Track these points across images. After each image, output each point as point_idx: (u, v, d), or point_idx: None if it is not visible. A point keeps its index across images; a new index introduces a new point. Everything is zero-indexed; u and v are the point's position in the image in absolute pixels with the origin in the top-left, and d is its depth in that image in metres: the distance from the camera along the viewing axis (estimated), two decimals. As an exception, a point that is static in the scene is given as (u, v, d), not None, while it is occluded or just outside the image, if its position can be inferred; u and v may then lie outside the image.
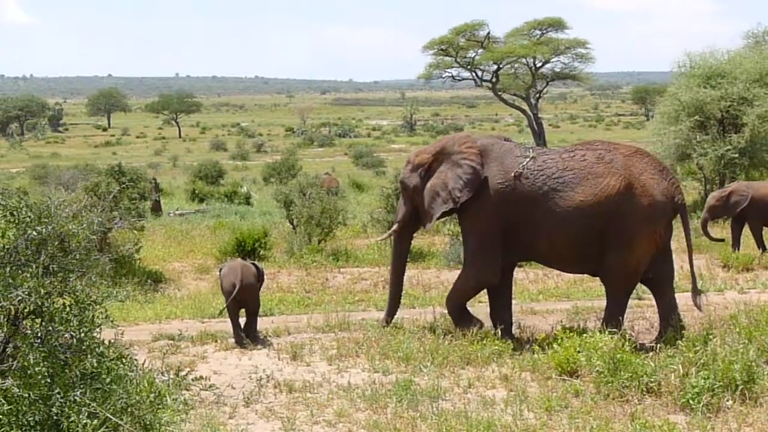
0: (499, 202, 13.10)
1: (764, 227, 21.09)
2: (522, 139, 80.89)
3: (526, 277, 18.83)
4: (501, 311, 13.67)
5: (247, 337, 13.39)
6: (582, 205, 12.69)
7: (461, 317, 13.56)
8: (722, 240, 20.75)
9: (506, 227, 13.15)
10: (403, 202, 14.36)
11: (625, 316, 13.29)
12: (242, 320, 13.59)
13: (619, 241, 12.70)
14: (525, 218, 12.97)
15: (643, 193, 12.72)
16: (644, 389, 10.24)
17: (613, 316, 12.87)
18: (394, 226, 14.49)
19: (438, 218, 14.03)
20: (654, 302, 13.75)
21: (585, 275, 15.14)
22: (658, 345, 12.10)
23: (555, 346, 11.57)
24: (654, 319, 14.16)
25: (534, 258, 13.99)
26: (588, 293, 16.90)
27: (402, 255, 14.63)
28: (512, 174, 13.06)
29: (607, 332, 11.68)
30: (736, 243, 20.65)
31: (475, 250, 13.50)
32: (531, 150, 13.46)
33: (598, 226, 12.67)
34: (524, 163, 13.10)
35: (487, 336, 12.65)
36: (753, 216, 20.67)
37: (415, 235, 15.50)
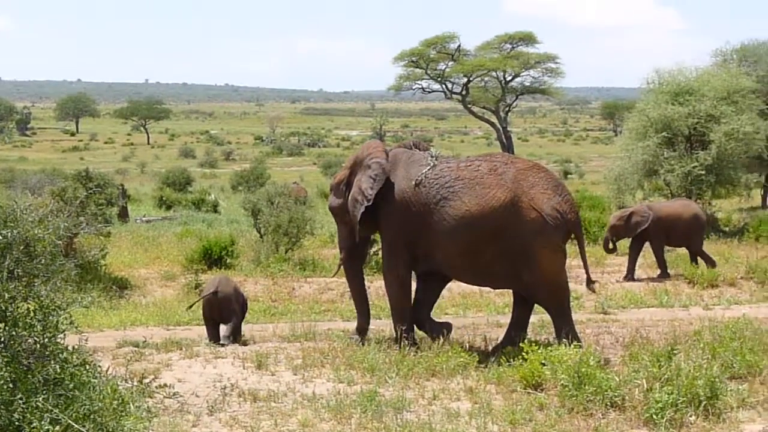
0: (402, 208, 13.27)
1: (667, 247, 21.36)
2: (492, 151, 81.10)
3: (492, 290, 18.86)
4: (419, 311, 13.84)
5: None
6: (467, 214, 12.74)
7: (407, 326, 13.58)
8: (614, 250, 21.27)
9: (409, 234, 13.28)
10: (340, 228, 14.43)
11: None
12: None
13: (521, 257, 12.73)
14: (423, 226, 13.11)
15: (530, 207, 12.68)
16: (608, 403, 10.26)
17: (565, 330, 12.90)
18: (341, 256, 14.50)
19: (363, 223, 13.73)
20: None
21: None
22: (495, 356, 12.50)
23: (520, 359, 11.59)
24: (619, 334, 14.24)
25: (436, 267, 13.65)
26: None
27: (360, 279, 14.57)
28: (413, 182, 13.21)
29: (570, 345, 11.68)
30: (631, 267, 20.72)
31: (389, 252, 13.73)
32: (435, 158, 13.47)
33: (485, 237, 12.70)
34: (424, 172, 13.21)
35: (453, 348, 12.65)
36: (654, 237, 20.83)
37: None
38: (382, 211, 13.49)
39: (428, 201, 13.03)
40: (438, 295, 14.39)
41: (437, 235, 12.99)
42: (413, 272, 13.93)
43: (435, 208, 12.96)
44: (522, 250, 12.68)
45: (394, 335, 13.55)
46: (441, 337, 13.19)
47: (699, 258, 20.86)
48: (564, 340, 12.34)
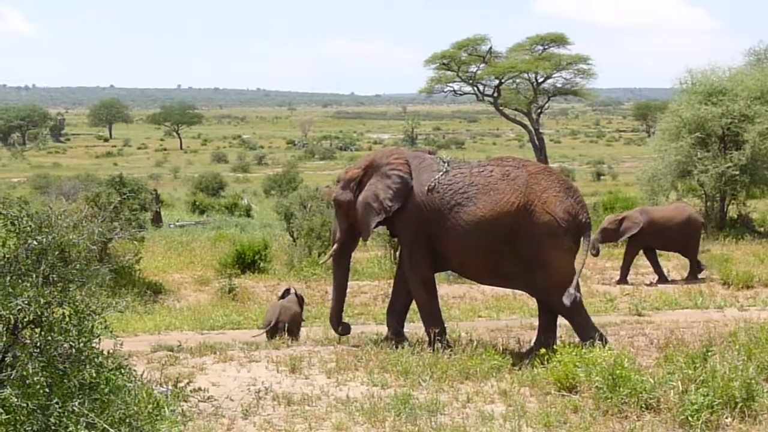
0: (419, 214, 13.45)
1: (661, 251, 21.25)
2: (524, 154, 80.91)
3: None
4: (393, 313, 14.13)
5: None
6: (482, 219, 12.94)
7: (441, 328, 13.67)
8: (597, 254, 21.18)
9: (426, 239, 13.47)
10: (339, 220, 14.49)
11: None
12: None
13: (534, 260, 12.89)
14: (438, 231, 13.29)
15: (543, 210, 12.86)
16: (643, 406, 10.20)
17: (584, 330, 13.05)
18: (335, 246, 14.55)
19: (373, 228, 14.18)
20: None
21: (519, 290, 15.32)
22: (528, 359, 12.52)
23: (554, 361, 11.55)
24: (654, 336, 14.16)
25: (452, 269, 14.26)
26: (588, 309, 16.86)
27: (345, 271, 14.77)
28: (426, 187, 13.40)
29: (592, 346, 11.86)
30: (625, 271, 20.68)
31: (410, 255, 13.81)
32: (447, 164, 13.68)
33: (500, 240, 12.90)
34: (437, 177, 13.42)
35: (486, 351, 12.63)
36: (647, 241, 20.64)
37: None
38: (401, 217, 13.68)
39: (442, 206, 13.23)
40: (410, 300, 14.37)
41: (453, 239, 13.19)
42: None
43: (449, 213, 13.17)
44: (536, 253, 12.86)
45: (427, 338, 13.58)
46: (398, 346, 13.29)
47: (690, 263, 20.75)
48: (591, 340, 12.50)
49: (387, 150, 15.14)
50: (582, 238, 13.18)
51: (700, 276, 20.32)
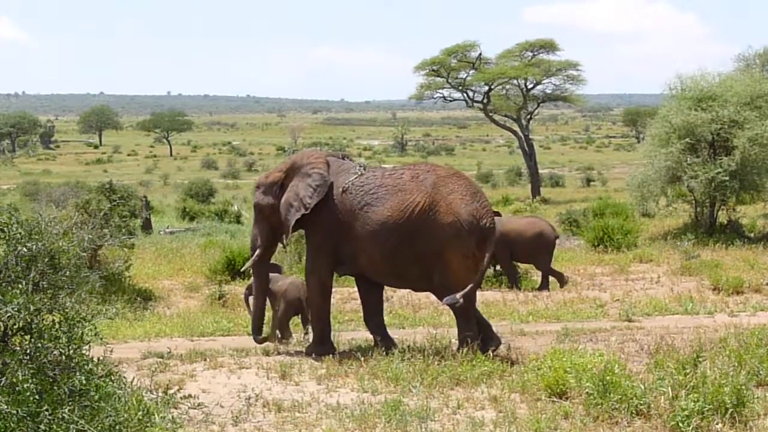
0: (331, 214, 13.72)
1: (516, 263, 21.14)
2: (514, 160, 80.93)
3: (516, 298, 18.86)
4: (372, 319, 14.32)
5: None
6: (389, 220, 13.26)
7: (324, 334, 14.07)
8: None
9: (334, 243, 13.76)
10: (260, 226, 14.63)
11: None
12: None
13: (436, 261, 13.20)
14: (348, 232, 13.59)
15: (447, 212, 13.14)
16: (634, 411, 10.21)
17: (467, 335, 13.31)
18: (256, 253, 14.66)
19: (294, 228, 14.26)
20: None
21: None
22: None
23: (544, 367, 11.55)
24: (644, 342, 14.17)
25: (361, 271, 14.15)
26: (578, 315, 16.91)
27: (266, 278, 14.86)
28: (341, 189, 13.72)
29: (469, 350, 12.72)
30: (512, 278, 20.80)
31: (314, 257, 14.05)
32: (362, 168, 14.08)
33: (405, 241, 13.22)
34: (351, 179, 13.75)
35: (477, 357, 12.64)
36: (498, 251, 20.52)
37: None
38: (310, 217, 13.89)
39: (353, 207, 13.56)
40: (381, 299, 14.61)
41: (362, 240, 13.50)
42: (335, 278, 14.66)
43: (360, 214, 13.50)
44: (436, 254, 13.18)
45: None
46: (387, 351, 13.38)
47: (550, 276, 20.70)
48: (464, 344, 13.07)
49: (307, 151, 15.77)
50: (485, 244, 13.34)
51: (560, 287, 20.28)
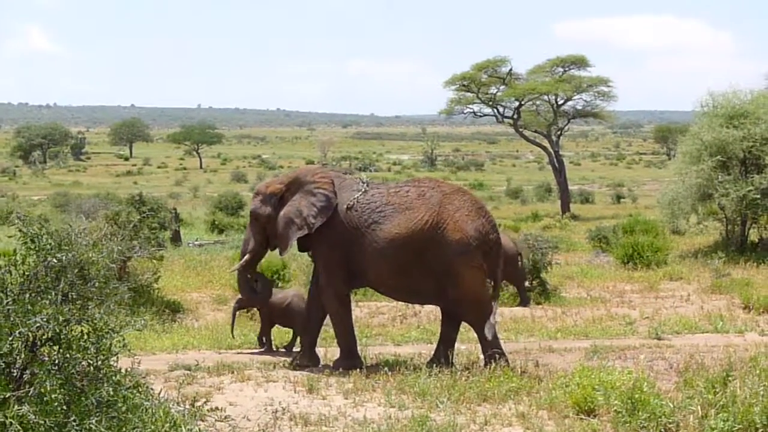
0: (337, 231, 13.88)
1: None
2: (544, 177, 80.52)
3: (545, 314, 18.79)
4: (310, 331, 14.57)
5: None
6: (397, 236, 13.47)
7: (350, 348, 14.19)
8: None
9: (342, 255, 13.92)
10: (255, 232, 14.85)
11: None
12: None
13: (447, 277, 13.43)
14: (356, 248, 13.77)
15: (455, 229, 13.39)
16: (662, 430, 10.14)
17: (493, 351, 13.51)
18: (246, 257, 14.99)
19: (292, 244, 14.48)
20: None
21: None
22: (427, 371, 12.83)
23: (573, 384, 11.49)
24: (673, 360, 14.08)
25: (369, 285, 14.78)
26: (607, 332, 16.83)
27: (248, 283, 15.33)
28: (345, 206, 13.90)
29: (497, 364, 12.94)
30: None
31: (325, 271, 14.20)
32: (366, 184, 14.21)
33: (413, 257, 13.43)
34: (356, 197, 13.93)
35: (505, 373, 12.59)
36: None
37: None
38: (319, 234, 14.06)
39: (360, 224, 13.76)
40: (324, 315, 14.72)
41: (369, 256, 13.67)
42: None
43: (367, 231, 13.69)
44: (447, 269, 13.39)
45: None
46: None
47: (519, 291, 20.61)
48: (492, 360, 13.26)
49: (311, 168, 16.11)
50: (491, 256, 13.62)
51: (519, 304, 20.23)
